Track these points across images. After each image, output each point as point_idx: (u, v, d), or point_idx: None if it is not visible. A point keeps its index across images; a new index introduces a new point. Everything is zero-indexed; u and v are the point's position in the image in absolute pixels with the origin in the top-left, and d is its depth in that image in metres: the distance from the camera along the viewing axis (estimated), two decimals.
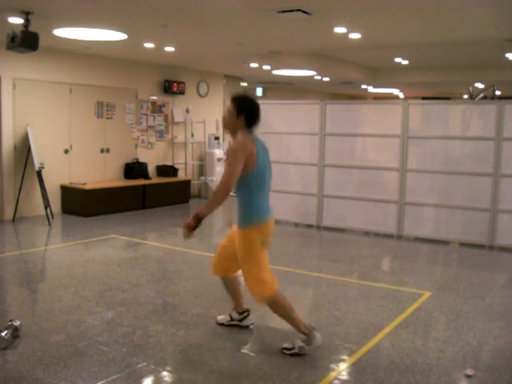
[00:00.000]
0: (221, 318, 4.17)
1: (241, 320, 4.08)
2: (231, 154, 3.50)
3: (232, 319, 4.10)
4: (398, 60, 10.13)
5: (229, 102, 3.66)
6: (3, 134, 8.07)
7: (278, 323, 4.15)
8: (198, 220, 3.46)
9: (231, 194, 3.46)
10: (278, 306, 3.64)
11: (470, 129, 7.28)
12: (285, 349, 3.63)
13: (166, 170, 10.53)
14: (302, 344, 3.58)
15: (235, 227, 3.73)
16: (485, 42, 7.56)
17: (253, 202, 3.56)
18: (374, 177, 7.81)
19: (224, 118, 3.72)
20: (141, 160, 10.13)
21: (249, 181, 3.51)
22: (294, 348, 3.60)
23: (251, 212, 3.56)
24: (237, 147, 3.48)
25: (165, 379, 3.28)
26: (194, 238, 3.61)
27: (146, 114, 10.35)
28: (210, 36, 7.35)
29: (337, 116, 8.07)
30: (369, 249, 7.09)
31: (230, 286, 4.04)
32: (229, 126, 3.68)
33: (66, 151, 8.93)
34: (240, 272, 3.87)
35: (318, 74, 11.72)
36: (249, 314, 4.09)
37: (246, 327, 4.06)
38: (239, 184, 3.54)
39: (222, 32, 7.06)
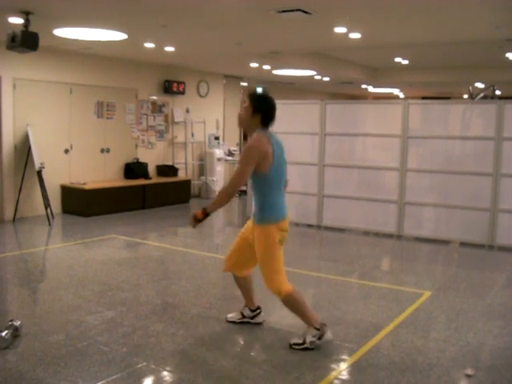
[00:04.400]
0: (231, 315, 4.19)
1: (253, 317, 4.11)
2: (244, 154, 3.52)
3: (244, 316, 4.13)
4: (398, 60, 10.13)
5: (246, 99, 3.65)
6: (3, 134, 8.07)
7: (278, 323, 4.16)
8: (205, 214, 3.55)
9: (236, 194, 3.53)
10: (294, 302, 3.66)
11: (470, 129, 7.28)
12: (295, 344, 3.67)
13: (166, 170, 10.53)
14: (313, 339, 3.62)
15: (249, 224, 3.80)
16: (485, 42, 7.56)
17: (270, 201, 3.61)
18: (374, 177, 7.81)
19: (239, 116, 3.72)
20: (141, 160, 10.13)
21: (265, 180, 3.56)
22: (304, 343, 3.64)
23: (269, 210, 3.60)
24: (251, 147, 3.50)
25: (165, 379, 3.28)
26: (198, 227, 3.78)
27: (146, 114, 10.35)
28: (210, 36, 7.35)
29: (337, 116, 8.07)
30: (369, 249, 7.09)
31: (243, 284, 4.06)
32: (244, 124, 3.70)
33: (66, 151, 8.93)
34: (251, 270, 3.95)
35: (318, 74, 11.71)
36: (261, 311, 4.12)
37: (259, 324, 4.09)
38: (256, 182, 3.59)
39: (222, 32, 7.05)
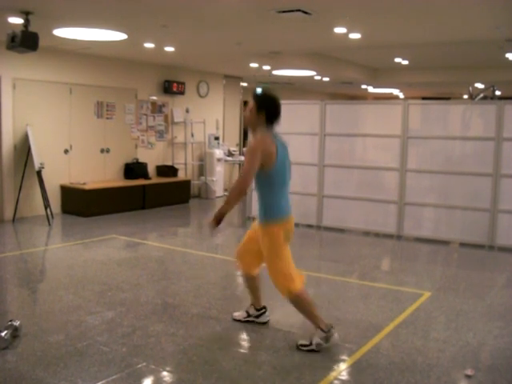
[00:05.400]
0: (237, 314, 4.21)
1: (258, 316, 4.13)
2: (249, 152, 3.55)
3: (249, 315, 4.15)
4: (397, 60, 10.13)
5: (251, 99, 3.68)
6: (3, 134, 8.06)
7: (278, 323, 4.16)
8: (222, 216, 3.54)
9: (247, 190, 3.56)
10: (302, 303, 3.68)
11: (470, 129, 7.28)
12: (301, 345, 3.67)
13: (166, 170, 10.53)
14: (320, 341, 3.62)
15: (255, 224, 3.82)
16: (485, 42, 7.56)
17: (273, 200, 3.62)
18: (374, 177, 7.81)
19: (245, 115, 3.77)
20: (141, 160, 10.13)
21: (269, 179, 3.57)
22: (311, 344, 3.64)
23: (272, 210, 3.62)
24: (255, 145, 3.53)
25: (165, 379, 3.27)
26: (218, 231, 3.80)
27: (146, 114, 10.35)
28: (210, 36, 7.35)
29: (337, 116, 8.07)
30: (369, 249, 7.08)
31: (252, 283, 4.08)
32: (249, 123, 3.73)
33: (66, 151, 8.93)
34: (260, 270, 3.96)
35: (318, 74, 11.71)
36: (266, 311, 4.14)
37: (263, 323, 4.11)
38: (260, 182, 3.62)
39: (222, 32, 7.05)
